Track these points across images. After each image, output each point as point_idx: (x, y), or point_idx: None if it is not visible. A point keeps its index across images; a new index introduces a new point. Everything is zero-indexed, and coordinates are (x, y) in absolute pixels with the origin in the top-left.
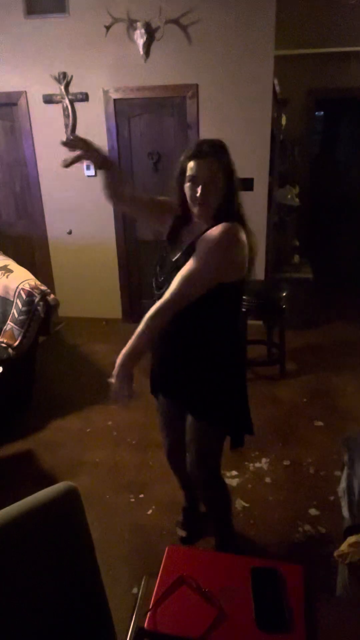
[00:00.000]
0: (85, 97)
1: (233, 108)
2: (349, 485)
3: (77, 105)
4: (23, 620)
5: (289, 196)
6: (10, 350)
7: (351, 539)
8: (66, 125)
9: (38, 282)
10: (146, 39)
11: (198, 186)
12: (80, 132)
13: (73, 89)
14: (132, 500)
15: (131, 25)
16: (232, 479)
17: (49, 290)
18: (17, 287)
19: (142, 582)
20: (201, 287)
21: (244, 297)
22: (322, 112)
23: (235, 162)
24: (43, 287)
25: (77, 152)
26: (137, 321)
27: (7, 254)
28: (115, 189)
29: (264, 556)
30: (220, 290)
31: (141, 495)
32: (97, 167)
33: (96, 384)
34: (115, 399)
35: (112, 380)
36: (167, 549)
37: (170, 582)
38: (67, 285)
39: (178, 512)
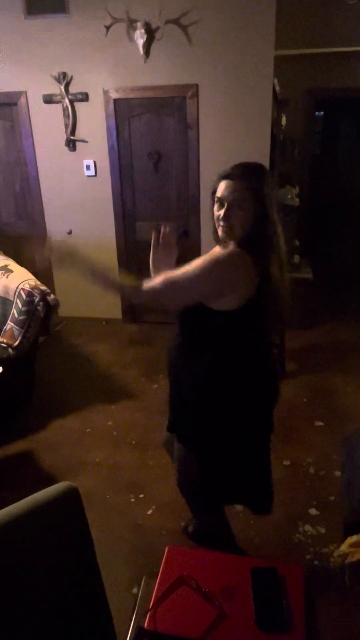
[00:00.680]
0: (85, 97)
1: (233, 108)
2: (348, 485)
3: (77, 105)
4: (23, 620)
5: (289, 196)
6: (10, 350)
7: (351, 539)
8: (66, 125)
9: (38, 282)
10: (146, 39)
11: (223, 207)
12: (81, 132)
13: (73, 89)
14: (132, 500)
15: (131, 25)
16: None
17: (49, 290)
18: (17, 287)
19: (142, 582)
20: (182, 291)
21: None
22: (322, 112)
23: (235, 162)
24: (43, 287)
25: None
26: (137, 321)
27: (7, 254)
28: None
29: (264, 556)
30: (210, 315)
31: (141, 495)
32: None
33: (96, 384)
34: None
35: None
36: (167, 549)
37: (170, 582)
38: (67, 285)
39: (178, 512)
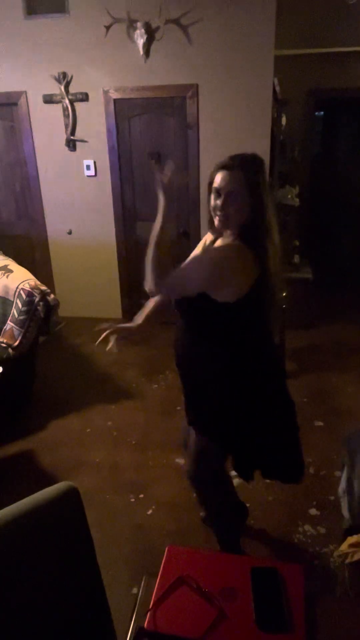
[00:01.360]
0: (85, 97)
1: (233, 108)
2: (348, 485)
3: (77, 105)
4: (23, 620)
5: (289, 196)
6: (10, 350)
7: (351, 539)
8: (66, 125)
9: (38, 282)
10: (146, 39)
11: (220, 197)
12: (81, 132)
13: (73, 88)
14: (132, 500)
15: (131, 25)
16: (232, 478)
17: (49, 290)
18: (17, 287)
19: (142, 582)
20: (187, 281)
21: None
22: (322, 112)
23: None
24: (43, 287)
25: None
26: None
27: (7, 254)
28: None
29: (264, 556)
30: (214, 307)
31: (141, 495)
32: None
33: (96, 384)
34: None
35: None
36: (167, 549)
37: (170, 582)
38: (67, 285)
39: (178, 512)
